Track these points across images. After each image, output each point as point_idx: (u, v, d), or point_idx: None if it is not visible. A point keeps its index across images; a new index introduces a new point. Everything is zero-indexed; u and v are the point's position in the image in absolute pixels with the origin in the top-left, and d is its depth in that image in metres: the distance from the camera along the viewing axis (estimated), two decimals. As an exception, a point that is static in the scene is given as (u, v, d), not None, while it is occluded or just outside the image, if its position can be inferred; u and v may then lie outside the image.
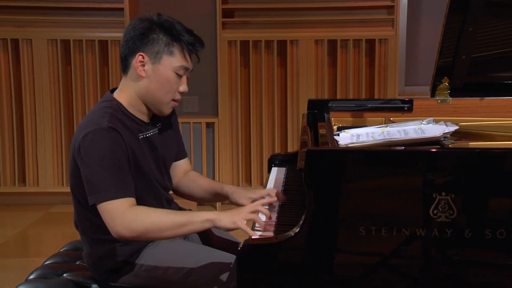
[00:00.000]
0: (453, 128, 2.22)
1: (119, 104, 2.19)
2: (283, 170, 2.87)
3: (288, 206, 2.32)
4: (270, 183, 2.67)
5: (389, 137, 2.22)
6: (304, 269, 1.76)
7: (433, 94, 2.94)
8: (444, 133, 2.16)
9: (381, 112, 2.93)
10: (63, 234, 4.62)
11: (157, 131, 2.29)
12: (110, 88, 5.02)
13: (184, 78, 2.22)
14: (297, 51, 5.02)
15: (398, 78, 4.98)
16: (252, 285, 1.78)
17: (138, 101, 2.21)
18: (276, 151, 5.09)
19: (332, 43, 5.01)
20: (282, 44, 5.03)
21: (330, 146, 2.05)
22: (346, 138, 2.30)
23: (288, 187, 2.55)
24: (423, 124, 2.39)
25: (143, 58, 2.16)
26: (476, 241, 1.72)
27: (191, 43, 2.18)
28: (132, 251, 2.23)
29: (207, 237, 2.47)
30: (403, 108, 2.93)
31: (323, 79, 5.02)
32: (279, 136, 5.12)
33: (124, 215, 2.01)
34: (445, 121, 2.37)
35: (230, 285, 2.16)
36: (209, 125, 5.15)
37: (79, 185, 2.15)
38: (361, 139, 2.24)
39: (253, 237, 1.98)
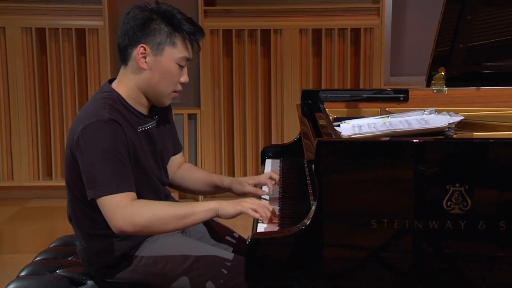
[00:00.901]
0: (458, 118, 2.24)
1: (118, 96, 2.17)
2: (277, 162, 2.88)
3: (287, 199, 2.32)
4: (267, 175, 2.67)
5: (392, 128, 2.23)
6: (317, 261, 1.76)
7: (428, 84, 2.96)
8: (449, 124, 2.17)
9: (376, 103, 2.95)
10: (42, 230, 4.57)
11: (155, 124, 2.28)
12: (88, 79, 5.04)
13: (185, 69, 2.20)
14: (281, 40, 5.01)
15: (383, 68, 5.00)
16: (262, 279, 1.78)
17: (138, 93, 2.19)
18: (260, 143, 5.09)
19: (317, 32, 5.01)
20: (265, 33, 5.02)
21: (336, 137, 2.06)
22: (348, 129, 2.30)
23: (285, 179, 2.55)
24: (425, 114, 2.39)
25: (145, 50, 2.14)
26: (490, 233, 1.73)
27: (192, 32, 2.16)
28: (130, 246, 2.22)
29: (210, 225, 2.48)
30: (398, 98, 2.94)
31: (308, 69, 5.02)
32: (262, 128, 5.12)
33: (125, 209, 2.00)
34: (447, 112, 2.38)
35: (230, 283, 2.16)
36: (191, 117, 5.12)
37: (76, 178, 2.13)
38: (363, 130, 2.24)
39: (258, 230, 1.98)
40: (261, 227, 2.02)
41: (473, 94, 2.94)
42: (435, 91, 2.93)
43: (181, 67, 2.18)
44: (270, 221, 2.05)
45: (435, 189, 1.74)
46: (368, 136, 2.14)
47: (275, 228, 2.02)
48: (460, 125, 2.36)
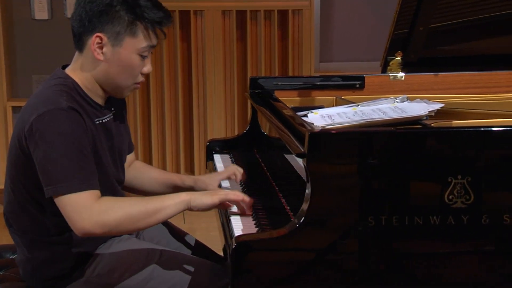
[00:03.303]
0: (437, 106, 2.29)
1: (74, 83, 2.10)
2: (227, 157, 2.88)
3: (253, 196, 2.31)
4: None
5: (366, 118, 2.25)
6: (314, 262, 1.78)
7: (384, 70, 3.02)
8: (429, 112, 2.21)
9: (330, 90, 2.98)
10: None
11: (112, 117, 2.21)
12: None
13: (148, 58, 2.14)
14: (202, 23, 4.98)
15: (313, 53, 5.06)
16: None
17: (95, 84, 2.13)
18: (180, 136, 5.05)
19: (241, 14, 5.02)
20: (184, 15, 4.98)
21: (312, 128, 2.06)
22: (318, 119, 2.31)
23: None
24: (397, 102, 2.43)
25: (101, 39, 2.06)
26: (493, 227, 1.79)
27: (158, 21, 2.10)
28: (82, 254, 2.16)
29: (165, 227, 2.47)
30: (354, 86, 2.99)
31: (232, 54, 5.02)
32: (183, 119, 5.07)
33: (92, 209, 1.94)
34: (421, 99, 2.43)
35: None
36: (102, 108, 5.00)
37: (23, 174, 2.07)
38: (336, 121, 2.25)
39: (236, 234, 1.96)
40: (236, 223, 2.03)
41: (431, 80, 3.03)
42: (391, 77, 2.99)
43: (143, 57, 2.12)
44: (243, 213, 2.09)
45: (436, 182, 1.79)
46: (346, 127, 2.15)
47: (251, 223, 2.04)
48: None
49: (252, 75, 5.00)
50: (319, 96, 2.96)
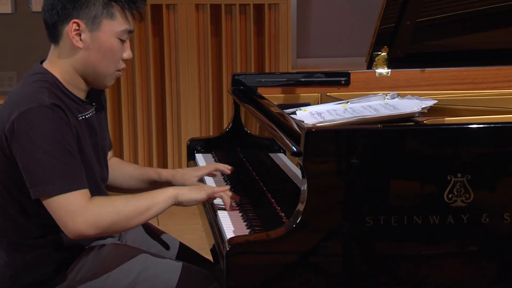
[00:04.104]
0: (430, 102, 2.30)
1: (54, 78, 2.08)
2: (209, 156, 2.88)
3: (241, 197, 2.31)
4: (205, 172, 2.65)
5: (358, 115, 2.26)
6: (312, 263, 1.79)
7: (370, 66, 3.04)
8: (422, 108, 2.23)
9: (315, 87, 2.99)
10: None
11: (94, 112, 2.20)
12: None
13: (128, 43, 2.15)
14: (174, 17, 4.98)
15: (291, 49, 5.07)
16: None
17: (76, 75, 2.11)
18: (153, 135, 5.03)
19: (216, 8, 5.02)
20: (157, 9, 4.97)
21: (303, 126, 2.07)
22: (307, 117, 2.31)
23: (226, 175, 2.54)
24: (387, 99, 2.45)
25: (79, 26, 2.06)
26: (494, 226, 1.81)
27: (132, 0, 2.10)
28: (64, 258, 2.15)
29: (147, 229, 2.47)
30: (340, 82, 3.00)
31: (206, 50, 5.01)
32: (155, 118, 5.05)
33: (86, 210, 1.94)
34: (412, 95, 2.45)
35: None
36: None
37: (4, 175, 2.05)
38: (327, 118, 2.26)
39: (227, 235, 1.96)
40: (226, 224, 2.03)
41: (417, 76, 3.06)
42: (377, 73, 3.01)
43: (122, 41, 2.12)
44: (231, 209, 2.14)
45: (436, 181, 1.80)
46: (342, 124, 2.15)
47: (241, 223, 2.05)
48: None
49: (227, 71, 5.01)
50: (303, 93, 2.97)
